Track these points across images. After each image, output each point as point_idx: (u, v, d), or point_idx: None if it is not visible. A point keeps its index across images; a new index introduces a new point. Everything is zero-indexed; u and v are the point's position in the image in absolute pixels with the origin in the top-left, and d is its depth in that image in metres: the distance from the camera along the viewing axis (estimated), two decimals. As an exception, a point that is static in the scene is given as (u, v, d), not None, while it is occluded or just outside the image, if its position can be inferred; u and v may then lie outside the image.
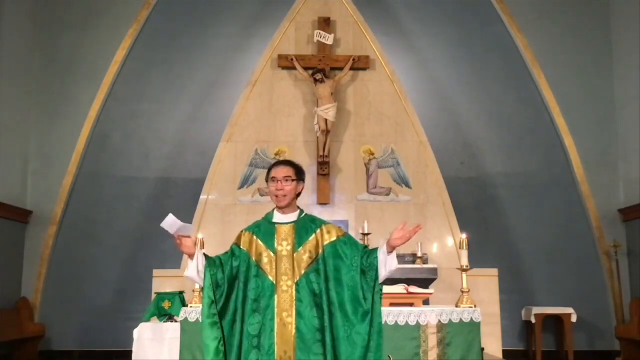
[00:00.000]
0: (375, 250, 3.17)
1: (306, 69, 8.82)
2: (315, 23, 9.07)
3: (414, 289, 5.19)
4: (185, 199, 9.14)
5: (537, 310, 8.76)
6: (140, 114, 9.79)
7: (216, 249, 3.92)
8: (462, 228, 7.35)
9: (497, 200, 9.61)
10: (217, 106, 9.66)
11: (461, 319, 4.77)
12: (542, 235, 9.43)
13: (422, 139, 8.84)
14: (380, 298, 3.15)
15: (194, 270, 3.17)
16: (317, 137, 8.62)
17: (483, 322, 4.87)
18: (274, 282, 3.14)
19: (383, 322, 3.37)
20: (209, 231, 8.08)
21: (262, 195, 8.52)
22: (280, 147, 8.83)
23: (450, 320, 4.75)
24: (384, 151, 8.81)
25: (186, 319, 5.05)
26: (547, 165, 9.67)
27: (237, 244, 3.25)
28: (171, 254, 8.01)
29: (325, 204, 8.59)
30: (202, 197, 8.64)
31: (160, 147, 9.74)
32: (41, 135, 9.60)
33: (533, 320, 8.70)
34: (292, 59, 8.88)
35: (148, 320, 6.31)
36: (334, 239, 3.21)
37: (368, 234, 7.35)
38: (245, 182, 8.71)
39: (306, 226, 3.24)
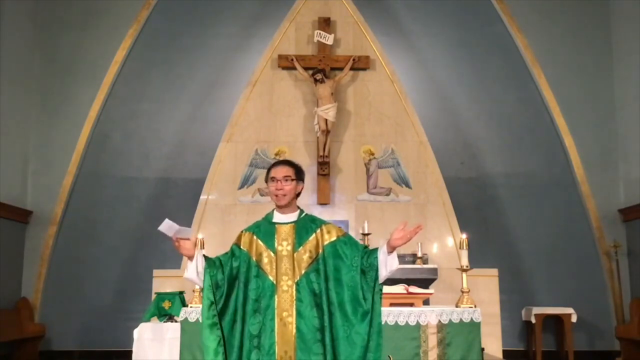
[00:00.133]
0: (375, 250, 3.17)
1: (306, 69, 8.82)
2: (315, 23, 9.07)
3: (414, 289, 5.19)
4: (185, 199, 9.14)
5: (537, 310, 8.76)
6: (140, 114, 9.79)
7: (216, 249, 3.92)
8: (462, 228, 7.34)
9: (497, 200, 9.61)
10: (217, 106, 9.66)
11: (461, 319, 4.77)
12: (542, 235, 9.43)
13: (422, 139, 8.84)
14: (380, 298, 3.15)
15: (193, 271, 3.17)
16: (317, 137, 8.62)
17: (483, 322, 4.87)
18: (274, 282, 3.14)
19: (383, 322, 3.37)
20: (209, 231, 8.08)
21: (262, 195, 8.52)
22: (280, 147, 8.83)
23: (450, 320, 4.75)
24: (384, 151, 8.81)
25: (186, 319, 5.05)
26: (547, 165, 9.67)
27: (237, 244, 3.25)
28: (171, 254, 7.99)
29: (325, 204, 8.59)
30: (202, 197, 8.64)
31: (160, 147, 9.74)
32: (41, 135, 9.60)
33: (533, 320, 8.70)
34: (292, 59, 8.88)
35: (148, 320, 6.31)
36: (333, 238, 3.21)
37: (368, 234, 7.35)
38: (245, 182, 8.71)
39: (306, 226, 3.24)
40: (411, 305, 5.05)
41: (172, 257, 8.28)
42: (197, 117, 9.77)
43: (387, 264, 3.13)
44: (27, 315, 8.90)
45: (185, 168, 9.63)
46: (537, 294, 9.30)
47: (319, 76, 8.56)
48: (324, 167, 8.57)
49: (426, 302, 5.75)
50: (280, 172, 3.26)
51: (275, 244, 3.20)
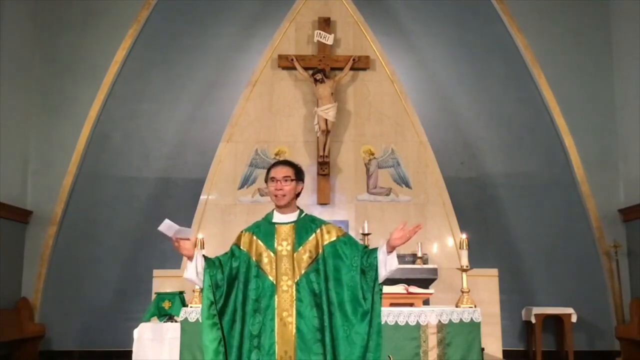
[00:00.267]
0: (375, 250, 3.18)
1: (306, 69, 8.82)
2: (315, 23, 9.06)
3: (414, 289, 5.19)
4: (185, 199, 9.14)
5: (537, 310, 8.76)
6: (140, 114, 9.79)
7: (216, 249, 3.92)
8: (462, 228, 7.34)
9: (497, 200, 9.61)
10: (217, 106, 9.66)
11: (461, 319, 4.77)
12: (542, 235, 9.43)
13: (422, 139, 8.84)
14: (380, 298, 3.15)
15: (193, 271, 3.18)
16: (317, 137, 8.62)
17: (483, 322, 4.87)
18: (274, 282, 3.14)
19: (383, 322, 3.37)
20: (209, 231, 8.08)
21: (262, 195, 8.51)
22: (280, 147, 8.83)
23: (450, 320, 4.75)
24: (384, 151, 8.81)
25: (186, 319, 5.05)
26: (547, 165, 9.67)
27: (237, 244, 3.25)
28: (171, 254, 7.96)
29: (325, 204, 8.59)
30: (202, 197, 8.64)
31: (160, 147, 9.74)
32: (41, 135, 9.60)
33: (533, 320, 8.70)
34: (292, 59, 8.88)
35: (148, 320, 6.31)
36: (333, 238, 3.21)
37: (368, 234, 7.35)
38: (245, 182, 8.71)
39: (306, 226, 3.24)
40: (411, 305, 5.05)
41: (172, 257, 8.27)
42: (197, 117, 9.77)
43: (387, 264, 3.14)
44: (27, 315, 8.90)
45: (185, 168, 9.63)
46: (537, 294, 9.30)
47: (319, 76, 8.56)
48: (324, 167, 8.57)
49: (426, 302, 5.75)
50: (280, 172, 3.26)
51: (275, 244, 3.20)
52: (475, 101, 9.82)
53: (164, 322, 6.17)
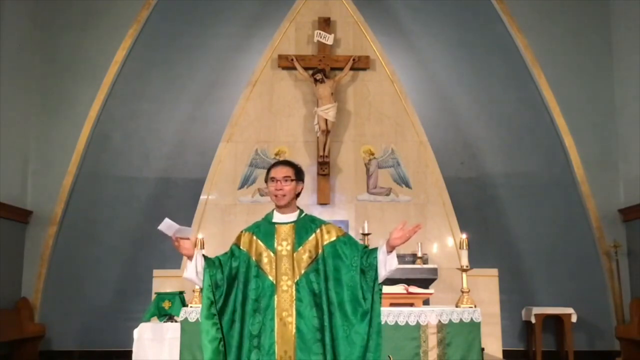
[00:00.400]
0: (375, 250, 3.18)
1: (306, 69, 8.82)
2: (315, 23, 9.06)
3: (414, 289, 5.19)
4: (185, 199, 9.14)
5: (537, 310, 8.76)
6: (140, 114, 9.79)
7: (216, 249, 3.92)
8: (462, 228, 7.34)
9: (497, 200, 9.61)
10: (217, 106, 9.66)
11: (461, 319, 4.77)
12: (542, 235, 9.42)
13: (422, 139, 8.84)
14: (380, 298, 3.15)
15: (192, 271, 3.18)
16: (317, 137, 8.61)
17: (483, 322, 4.87)
18: (274, 281, 3.14)
19: (383, 322, 3.37)
20: (209, 231, 8.08)
21: (262, 195, 8.51)
22: (280, 147, 8.83)
23: (450, 320, 4.75)
24: (384, 151, 8.81)
25: (186, 319, 5.05)
26: (547, 165, 9.67)
27: (237, 244, 3.26)
28: (171, 254, 7.98)
29: (325, 204, 8.59)
30: (202, 197, 8.64)
31: (160, 147, 9.74)
32: (41, 135, 9.60)
33: (533, 320, 8.70)
34: (292, 59, 8.88)
35: (148, 320, 6.31)
36: (333, 238, 3.21)
37: (368, 234, 7.35)
38: (245, 182, 8.71)
39: (306, 226, 3.25)
40: (411, 305, 5.05)
41: (172, 257, 8.28)
42: (197, 117, 9.77)
43: (387, 264, 3.14)
44: (27, 315, 8.90)
45: (185, 168, 9.63)
46: (537, 294, 9.30)
47: (319, 76, 8.56)
48: (324, 167, 8.57)
49: (426, 302, 5.75)
50: (280, 172, 3.27)
51: (275, 244, 3.20)
52: (475, 101, 9.82)
53: (164, 322, 6.17)
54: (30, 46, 9.65)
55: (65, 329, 9.14)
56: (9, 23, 9.07)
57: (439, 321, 4.72)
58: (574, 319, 8.64)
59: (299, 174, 3.31)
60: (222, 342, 3.11)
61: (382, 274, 3.14)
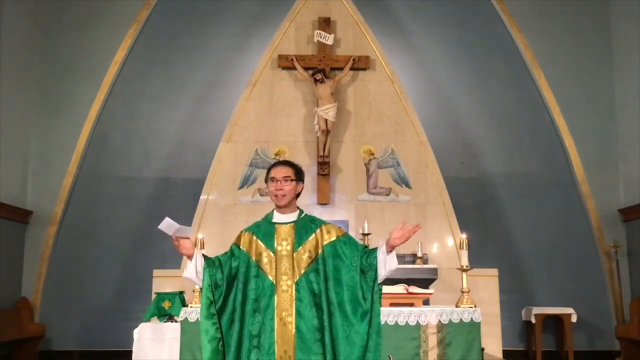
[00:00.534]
0: (375, 250, 3.18)
1: (306, 69, 8.82)
2: (315, 23, 9.06)
3: (414, 289, 5.19)
4: (185, 199, 9.14)
5: (537, 310, 8.76)
6: (140, 114, 9.79)
7: (216, 249, 3.92)
8: (462, 228, 7.34)
9: (497, 200, 9.61)
10: (217, 106, 9.66)
11: (461, 319, 4.77)
12: (542, 235, 9.43)
13: (422, 139, 8.84)
14: (380, 298, 3.15)
15: (192, 271, 3.19)
16: (317, 137, 8.61)
17: (483, 322, 4.87)
18: (274, 281, 3.14)
19: (383, 322, 3.38)
20: (209, 231, 8.08)
21: (262, 195, 8.51)
22: (280, 147, 8.83)
23: (450, 320, 4.75)
24: (384, 151, 8.81)
25: (186, 319, 5.05)
26: (547, 165, 9.67)
27: (237, 244, 3.26)
28: (171, 254, 7.99)
29: (325, 204, 8.59)
30: (202, 197, 8.64)
31: (160, 147, 9.74)
32: (41, 135, 9.60)
33: (533, 320, 8.70)
34: (292, 59, 8.87)
35: (148, 320, 6.31)
36: (333, 238, 3.22)
37: (368, 234, 7.35)
38: (245, 182, 8.71)
39: (306, 226, 3.25)
40: (411, 305, 5.05)
41: (172, 257, 8.28)
42: (197, 117, 9.77)
43: (386, 264, 3.14)
44: (27, 315, 8.90)
45: (185, 168, 9.63)
46: (537, 294, 9.30)
47: (319, 76, 8.56)
48: (324, 167, 8.57)
49: (426, 302, 5.75)
50: (280, 172, 3.27)
51: (275, 244, 3.20)
52: (475, 101, 9.82)
53: (164, 322, 6.17)
54: (30, 46, 9.65)
55: (65, 329, 9.15)
56: (9, 23, 9.07)
57: (439, 321, 4.73)
58: (574, 319, 8.64)
59: (299, 174, 3.32)
60: (221, 342, 3.11)
61: (382, 273, 3.14)
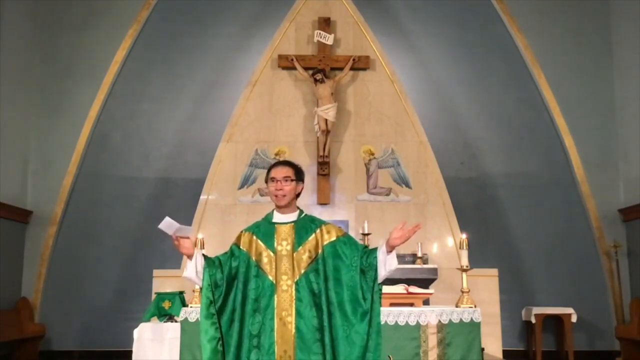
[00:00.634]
0: (375, 250, 3.18)
1: (306, 69, 8.82)
2: (315, 23, 9.06)
3: (414, 289, 5.19)
4: (185, 199, 9.14)
5: (537, 310, 8.76)
6: (140, 114, 9.79)
7: (216, 249, 3.92)
8: (462, 228, 7.34)
9: (497, 200, 9.61)
10: (217, 106, 9.66)
11: (461, 319, 4.77)
12: (542, 235, 9.42)
13: (422, 139, 8.84)
14: (380, 298, 3.15)
15: (192, 270, 3.19)
16: (317, 137, 8.61)
17: (483, 322, 4.87)
18: (274, 281, 3.14)
19: (383, 322, 3.38)
20: (209, 231, 8.08)
21: (262, 195, 8.51)
22: (280, 147, 8.83)
23: (450, 320, 4.75)
24: (384, 151, 8.81)
25: (186, 319, 5.05)
26: (547, 165, 9.67)
27: (237, 244, 3.26)
28: (171, 253, 8.00)
29: (325, 204, 8.59)
30: (202, 197, 8.64)
31: (160, 147, 9.74)
32: (41, 135, 9.60)
33: (533, 320, 8.70)
34: (292, 59, 8.87)
35: (148, 320, 6.31)
36: (333, 238, 3.22)
37: (368, 234, 7.35)
38: (245, 182, 8.71)
39: (306, 226, 3.25)
40: (411, 305, 5.05)
41: (172, 257, 8.29)
42: (197, 117, 9.77)
43: (386, 264, 3.14)
44: (27, 315, 8.90)
45: (185, 168, 9.63)
46: (537, 294, 9.29)
47: (319, 76, 8.56)
48: (324, 167, 8.57)
49: (426, 302, 5.75)
50: (280, 172, 3.27)
51: (275, 244, 3.20)
52: (475, 101, 9.82)
53: (164, 322, 6.17)
54: (30, 46, 9.65)
55: (65, 329, 9.14)
56: (9, 23, 9.07)
57: (439, 321, 4.73)
58: (574, 319, 8.64)
59: (299, 174, 3.32)
60: (220, 342, 3.11)
61: (382, 273, 3.14)
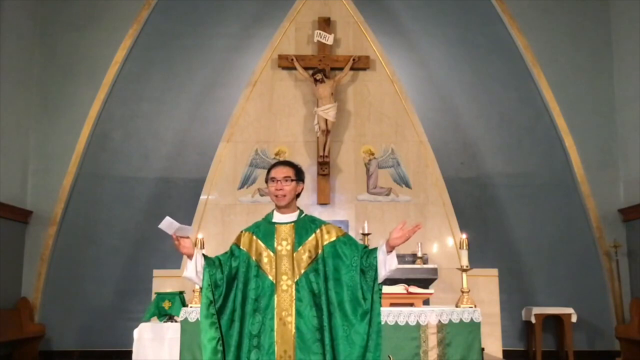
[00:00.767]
0: (375, 250, 3.18)
1: (306, 69, 8.82)
2: (315, 23, 9.06)
3: (414, 289, 5.19)
4: (185, 199, 9.15)
5: (537, 310, 8.76)
6: (140, 114, 9.79)
7: (216, 249, 3.93)
8: (462, 228, 7.35)
9: (497, 200, 9.61)
10: (217, 106, 9.66)
11: (461, 319, 4.77)
12: (542, 235, 9.43)
13: (422, 139, 8.84)
14: (380, 298, 3.15)
15: (192, 270, 3.19)
16: (317, 137, 8.61)
17: (483, 322, 4.87)
18: (274, 281, 3.14)
19: (383, 322, 3.38)
20: (209, 231, 8.08)
21: (262, 195, 8.51)
22: (280, 147, 8.83)
23: (450, 320, 4.75)
24: (384, 151, 8.81)
25: (186, 319, 5.05)
26: (547, 165, 9.67)
27: (237, 244, 3.26)
28: (171, 253, 8.00)
29: (325, 204, 8.59)
30: (202, 197, 8.64)
31: (160, 147, 9.73)
32: (41, 135, 9.60)
33: (533, 320, 8.70)
34: (292, 59, 8.87)
35: (148, 320, 6.31)
36: (333, 238, 3.22)
37: (368, 234, 7.35)
38: (245, 182, 8.71)
39: (306, 226, 3.25)
40: (411, 305, 5.05)
41: (172, 257, 8.29)
42: (197, 117, 9.77)
43: (387, 264, 3.14)
44: (27, 315, 8.90)
45: (185, 168, 9.63)
46: (537, 294, 9.30)
47: (319, 76, 8.56)
48: (324, 167, 8.57)
49: (426, 302, 5.75)
50: (280, 172, 3.27)
51: (275, 244, 3.20)
52: (475, 101, 9.83)
53: (164, 322, 6.17)
54: (30, 46, 9.65)
55: (65, 329, 9.15)
56: (9, 23, 9.07)
57: (439, 321, 4.73)
58: (574, 319, 8.64)
59: (299, 174, 3.32)
60: (220, 342, 3.11)
61: (382, 273, 3.14)
